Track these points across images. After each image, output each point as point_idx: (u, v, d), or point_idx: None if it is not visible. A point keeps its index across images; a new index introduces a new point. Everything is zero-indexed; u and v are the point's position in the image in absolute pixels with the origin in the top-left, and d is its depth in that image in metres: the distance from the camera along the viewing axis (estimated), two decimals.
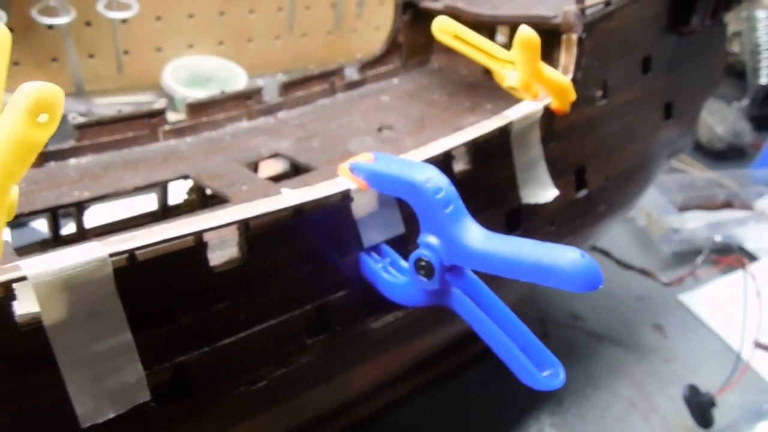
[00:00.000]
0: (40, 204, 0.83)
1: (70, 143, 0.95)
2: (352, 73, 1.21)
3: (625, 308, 1.52)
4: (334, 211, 0.72)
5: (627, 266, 1.53)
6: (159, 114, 1.01)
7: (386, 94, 1.18)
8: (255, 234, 0.66)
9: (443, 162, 0.81)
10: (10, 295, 0.53)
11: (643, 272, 1.54)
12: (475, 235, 0.65)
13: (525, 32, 0.78)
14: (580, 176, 1.02)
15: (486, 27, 1.13)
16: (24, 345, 0.55)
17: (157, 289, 0.61)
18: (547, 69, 0.87)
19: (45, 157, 0.92)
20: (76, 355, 0.56)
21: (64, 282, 0.54)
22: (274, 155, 0.99)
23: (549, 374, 0.66)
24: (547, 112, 0.93)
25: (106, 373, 0.58)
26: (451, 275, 0.69)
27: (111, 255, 0.56)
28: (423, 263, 0.68)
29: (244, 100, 1.09)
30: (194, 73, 1.84)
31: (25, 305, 0.55)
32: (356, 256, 0.74)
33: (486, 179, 0.87)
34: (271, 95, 1.13)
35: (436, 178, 0.66)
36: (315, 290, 0.71)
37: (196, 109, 1.04)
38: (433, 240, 0.66)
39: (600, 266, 0.57)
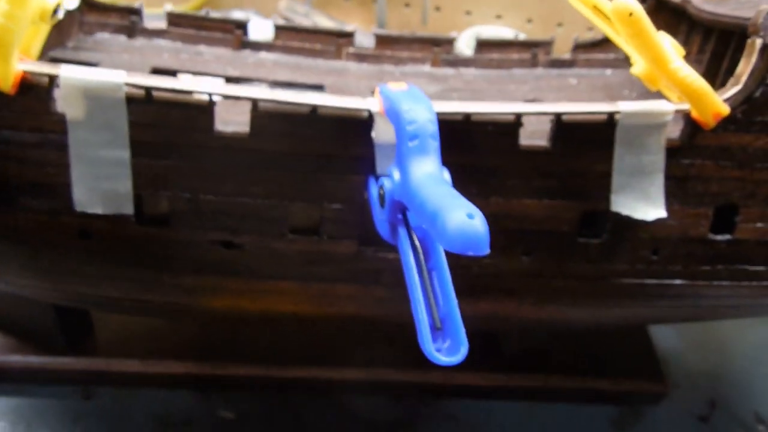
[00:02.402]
0: (200, 69, 1.01)
1: (268, 40, 1.12)
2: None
3: None
4: (354, 126, 0.73)
5: None
6: (347, 36, 1.12)
7: (581, 79, 1.09)
8: (260, 115, 0.72)
9: (508, 127, 0.75)
10: (53, 83, 0.69)
11: None
12: (420, 174, 0.61)
13: (618, 2, 0.66)
14: (726, 215, 0.82)
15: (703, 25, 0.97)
16: (52, 127, 0.71)
17: (163, 128, 0.72)
18: (677, 65, 0.73)
19: (243, 45, 1.11)
20: (83, 151, 0.71)
21: (85, 89, 0.68)
22: None
23: (445, 347, 0.60)
24: (688, 120, 0.78)
25: (102, 177, 0.72)
26: (411, 220, 0.66)
27: (128, 84, 0.69)
28: (381, 192, 0.66)
29: (431, 46, 1.12)
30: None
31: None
32: (364, 177, 0.75)
33: (564, 164, 0.78)
34: None
35: (416, 111, 0.64)
36: (309, 191, 0.75)
37: (384, 41, 1.12)
38: (396, 173, 0.64)
39: None
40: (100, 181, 0.72)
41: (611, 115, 0.76)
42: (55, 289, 0.86)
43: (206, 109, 0.72)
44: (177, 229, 0.75)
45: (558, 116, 0.76)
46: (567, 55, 1.15)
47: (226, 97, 0.71)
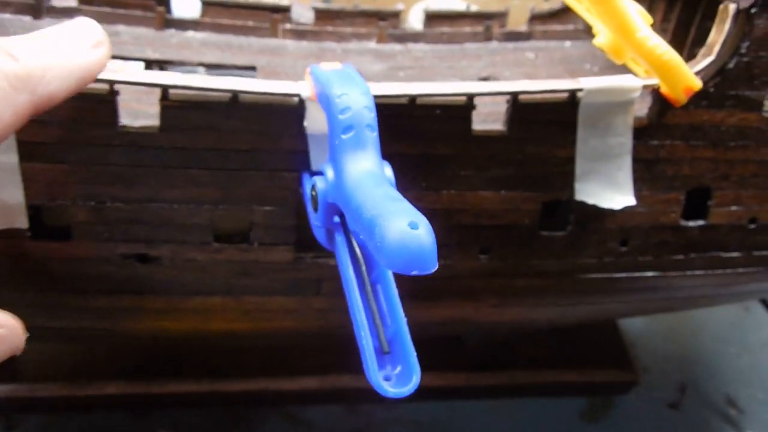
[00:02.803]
0: (124, 53, 0.89)
1: (195, 17, 1.00)
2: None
3: None
4: (283, 115, 0.64)
5: None
6: (283, 10, 1.01)
7: (538, 52, 1.01)
8: (171, 105, 0.62)
9: (458, 110, 0.66)
10: None
11: None
12: (356, 173, 0.52)
13: None
14: (699, 200, 0.75)
15: None
16: None
17: (56, 126, 0.61)
18: (644, 33, 0.65)
19: (167, 24, 0.99)
20: None
21: None
22: None
23: (396, 373, 0.51)
24: (657, 97, 0.70)
25: None
26: (349, 223, 0.57)
27: None
28: (313, 194, 0.57)
29: (377, 21, 1.02)
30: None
31: None
32: (298, 174, 0.66)
33: (522, 150, 0.69)
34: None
35: (351, 97, 0.54)
36: (234, 192, 0.65)
37: (324, 16, 1.02)
38: (329, 171, 0.55)
39: None
40: None
41: (573, 93, 0.67)
42: None
43: (107, 99, 0.61)
44: (81, 244, 0.65)
45: (514, 96, 0.67)
46: (523, 27, 1.06)
47: (127, 83, 0.61)
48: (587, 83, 0.67)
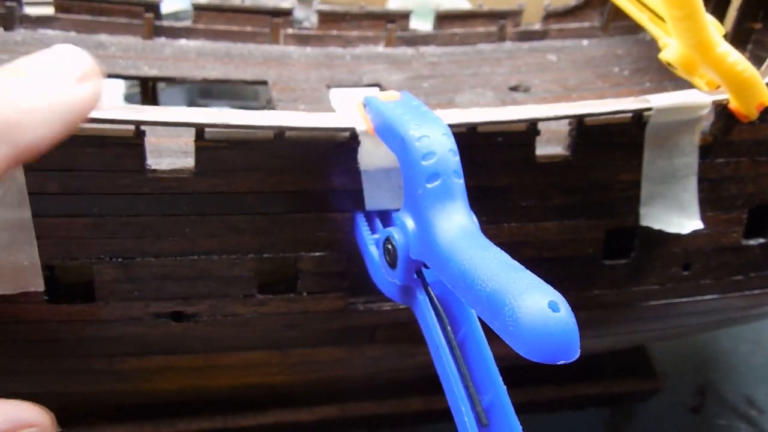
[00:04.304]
0: (116, 70, 0.80)
1: (186, 23, 0.91)
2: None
3: None
4: (334, 151, 0.56)
5: None
6: (284, 14, 0.92)
7: (559, 53, 0.95)
8: (208, 145, 0.54)
9: (522, 137, 0.60)
10: None
11: None
12: (450, 229, 0.45)
13: None
14: (759, 218, 0.72)
15: None
16: None
17: (74, 172, 0.52)
18: (724, 49, 0.59)
19: (157, 32, 0.89)
20: None
21: None
22: (373, 85, 0.85)
23: None
24: (723, 112, 0.65)
25: None
26: (430, 276, 0.50)
27: None
28: (389, 247, 0.50)
29: (385, 23, 0.95)
30: (422, 2, 1.73)
31: None
32: (350, 215, 0.58)
33: (586, 176, 0.64)
34: None
35: (434, 139, 0.48)
36: (279, 238, 0.58)
37: (328, 19, 0.94)
38: (408, 221, 0.48)
39: None
40: None
41: (640, 113, 0.62)
42: None
43: (133, 143, 0.53)
44: (107, 305, 0.56)
45: (579, 119, 0.61)
46: (537, 25, 1.00)
47: (157, 124, 0.52)
48: (656, 101, 0.62)
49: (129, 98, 1.36)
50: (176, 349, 0.61)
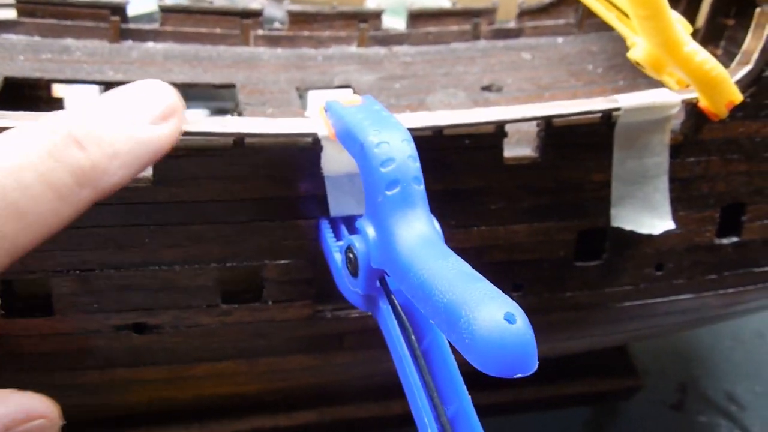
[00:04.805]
0: (71, 74, 0.78)
1: (154, 26, 0.89)
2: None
3: None
4: (297, 157, 0.55)
5: None
6: (254, 15, 0.91)
7: (533, 51, 0.94)
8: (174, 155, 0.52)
9: (489, 139, 0.59)
10: None
11: None
12: (410, 238, 0.44)
13: None
14: (732, 216, 0.71)
15: None
16: None
17: None
18: (691, 47, 0.59)
19: (123, 35, 0.88)
20: None
21: None
22: (344, 87, 0.84)
23: None
24: (693, 111, 0.65)
25: None
26: (393, 284, 0.49)
27: None
28: (350, 256, 0.49)
29: (357, 22, 0.94)
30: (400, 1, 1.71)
31: None
32: (315, 221, 0.57)
33: (556, 178, 0.63)
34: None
35: (393, 145, 0.47)
36: (242, 247, 0.56)
37: (299, 19, 0.92)
38: (369, 229, 0.47)
39: None
40: None
41: (609, 113, 0.61)
42: None
43: None
44: (66, 318, 0.55)
45: (548, 120, 0.60)
46: (511, 23, 0.99)
47: None
48: (625, 101, 0.61)
49: None
50: (140, 362, 0.59)
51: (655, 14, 0.54)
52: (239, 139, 0.53)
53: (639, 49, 0.61)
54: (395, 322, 0.48)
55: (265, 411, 0.92)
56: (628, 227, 0.65)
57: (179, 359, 0.60)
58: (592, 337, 0.77)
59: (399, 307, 0.48)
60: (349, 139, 0.50)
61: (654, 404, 1.10)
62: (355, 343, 0.63)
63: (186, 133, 0.52)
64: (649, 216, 0.66)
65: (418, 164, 0.47)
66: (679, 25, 0.59)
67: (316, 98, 0.87)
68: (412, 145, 0.47)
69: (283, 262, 0.58)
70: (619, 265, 0.68)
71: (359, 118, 0.50)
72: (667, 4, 0.54)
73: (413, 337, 0.48)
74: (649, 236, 0.66)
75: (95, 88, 0.90)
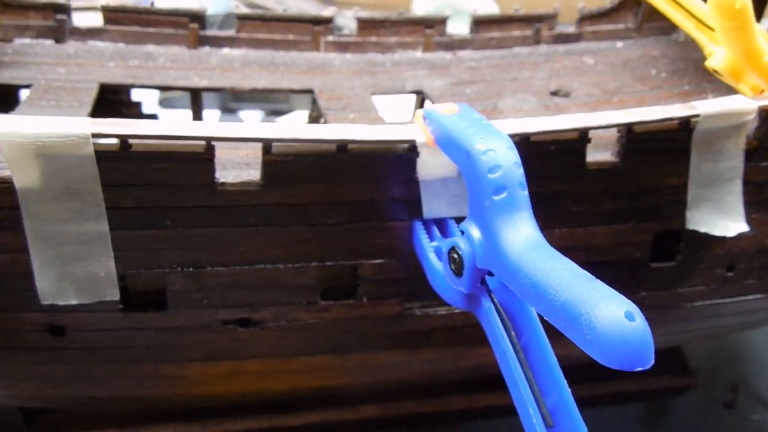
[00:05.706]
0: (160, 81, 0.82)
1: (230, 33, 0.93)
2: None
3: None
4: (394, 163, 0.58)
5: None
6: (324, 22, 0.94)
7: (595, 56, 0.96)
8: (274, 159, 0.56)
9: (573, 144, 0.62)
10: None
11: None
12: (517, 240, 0.47)
13: None
14: None
15: None
16: None
17: (146, 188, 0.55)
18: None
19: (202, 41, 0.91)
20: (44, 227, 0.53)
21: (38, 149, 0.50)
22: (416, 92, 0.87)
23: None
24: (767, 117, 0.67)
25: (74, 258, 0.54)
26: (493, 283, 0.52)
27: (95, 135, 0.51)
28: (455, 256, 0.52)
29: (423, 28, 0.96)
30: (447, 2, 1.74)
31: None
32: (408, 223, 0.60)
33: (635, 182, 0.65)
34: None
35: (499, 153, 0.49)
36: (341, 247, 0.60)
37: (367, 26, 0.95)
38: (474, 231, 0.50)
39: None
40: (71, 263, 0.55)
41: (687, 120, 0.63)
42: (19, 396, 0.68)
43: (204, 158, 0.55)
44: (178, 313, 0.58)
45: (629, 127, 0.63)
46: (571, 28, 1.02)
47: (225, 139, 0.54)
48: (703, 108, 0.63)
49: (163, 102, 1.40)
50: (243, 355, 0.63)
51: (741, 26, 0.56)
52: (343, 145, 0.56)
53: (718, 58, 0.63)
54: (497, 318, 0.50)
55: (332, 405, 0.96)
56: (702, 229, 0.67)
57: (278, 353, 0.64)
58: (665, 336, 0.79)
59: (499, 305, 0.51)
60: (452, 146, 0.53)
61: (706, 402, 1.11)
62: (442, 339, 0.66)
63: (293, 140, 0.55)
64: (723, 218, 0.68)
65: (522, 171, 0.50)
66: (761, 36, 0.61)
67: (386, 103, 0.90)
68: (516, 152, 0.50)
69: (377, 261, 0.61)
70: (692, 266, 0.70)
71: (462, 126, 0.53)
72: (753, 17, 0.56)
73: (513, 333, 0.51)
74: (722, 238, 0.68)
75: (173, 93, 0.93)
